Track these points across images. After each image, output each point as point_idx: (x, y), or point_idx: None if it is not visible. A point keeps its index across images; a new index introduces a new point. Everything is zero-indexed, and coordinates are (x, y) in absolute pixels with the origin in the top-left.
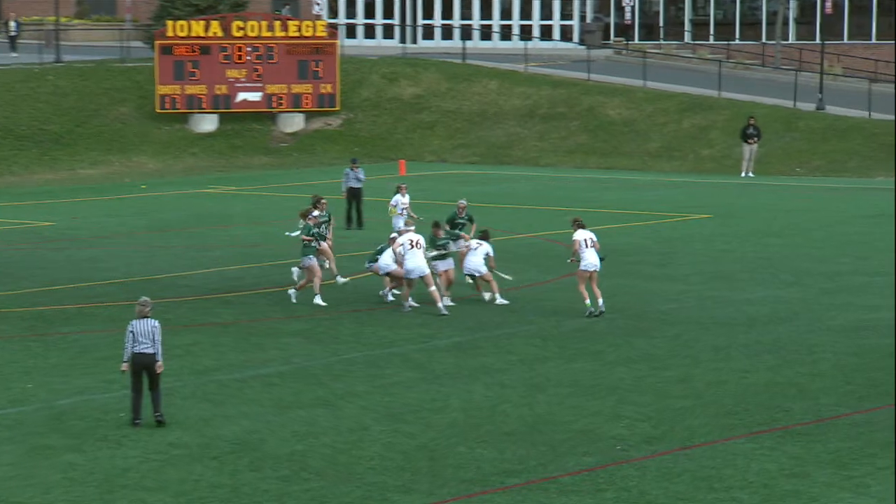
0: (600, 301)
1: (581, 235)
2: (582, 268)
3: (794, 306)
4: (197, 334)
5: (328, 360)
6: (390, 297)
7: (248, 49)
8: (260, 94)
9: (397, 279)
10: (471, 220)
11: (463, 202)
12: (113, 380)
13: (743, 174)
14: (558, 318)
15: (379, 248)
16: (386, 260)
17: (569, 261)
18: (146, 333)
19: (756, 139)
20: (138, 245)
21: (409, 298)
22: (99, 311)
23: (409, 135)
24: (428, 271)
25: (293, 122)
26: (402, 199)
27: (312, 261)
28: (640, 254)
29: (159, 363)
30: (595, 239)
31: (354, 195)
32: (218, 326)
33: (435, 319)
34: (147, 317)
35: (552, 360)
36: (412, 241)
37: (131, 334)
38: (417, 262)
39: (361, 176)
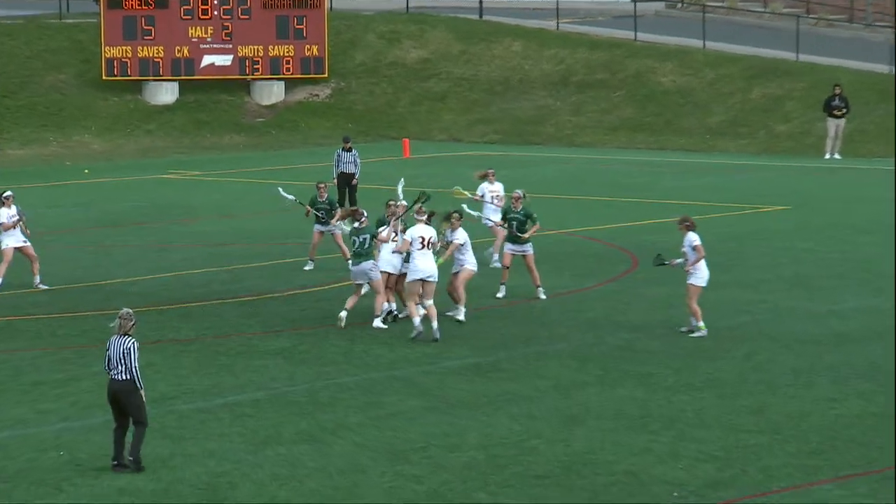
0: (692, 320)
1: (698, 240)
2: (699, 280)
3: (891, 320)
4: (151, 354)
5: (313, 384)
6: (399, 314)
7: (216, 2)
8: (230, 57)
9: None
10: (529, 217)
11: (519, 192)
12: (49, 409)
13: (827, 155)
14: (599, 334)
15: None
16: (388, 258)
17: (686, 269)
18: (118, 355)
19: (843, 112)
20: (81, 244)
21: (418, 315)
22: (31, 326)
23: (415, 108)
24: (436, 278)
25: (271, 93)
26: (489, 188)
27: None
28: (662, 255)
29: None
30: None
31: (347, 182)
32: (177, 344)
33: (445, 335)
34: (128, 334)
35: (592, 385)
36: (423, 239)
37: (108, 357)
38: (426, 263)
39: (356, 158)
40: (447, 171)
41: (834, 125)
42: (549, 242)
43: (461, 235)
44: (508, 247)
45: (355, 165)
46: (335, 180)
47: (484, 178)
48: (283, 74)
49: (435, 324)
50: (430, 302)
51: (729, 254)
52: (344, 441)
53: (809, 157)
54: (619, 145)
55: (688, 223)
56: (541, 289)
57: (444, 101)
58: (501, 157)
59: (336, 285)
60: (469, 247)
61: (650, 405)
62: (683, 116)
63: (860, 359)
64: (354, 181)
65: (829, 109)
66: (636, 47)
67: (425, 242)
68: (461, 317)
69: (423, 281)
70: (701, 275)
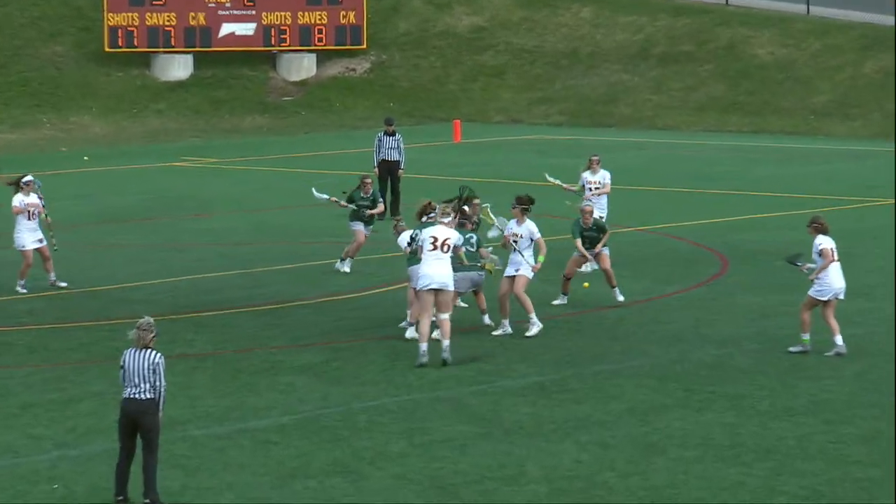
0: (838, 339)
1: (828, 244)
2: (818, 293)
3: None
4: None
5: (348, 406)
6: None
7: None
8: (253, 25)
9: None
10: (602, 230)
11: (589, 205)
12: (42, 435)
13: None
14: (682, 348)
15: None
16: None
17: (810, 278)
18: (141, 371)
19: None
20: (80, 242)
21: (415, 328)
22: (21, 338)
23: (467, 85)
24: (452, 287)
25: (301, 67)
26: (590, 178)
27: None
28: (804, 255)
29: (160, 414)
30: (835, 250)
31: (389, 171)
32: (189, 359)
33: (502, 349)
34: (148, 347)
35: (674, 409)
36: (435, 240)
37: (123, 371)
38: (438, 270)
39: (400, 144)
40: (505, 157)
41: None
42: (624, 241)
43: (527, 229)
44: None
45: (399, 152)
46: (376, 169)
47: (588, 168)
48: (315, 45)
49: (446, 342)
50: (444, 316)
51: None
52: (383, 473)
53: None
54: (706, 128)
55: (816, 224)
56: (617, 289)
57: (502, 77)
58: (568, 142)
59: (374, 291)
60: (529, 246)
61: (742, 432)
62: (783, 94)
63: None
64: (400, 171)
65: None
66: (728, 13)
67: (438, 244)
68: (531, 332)
69: (436, 291)
70: (822, 287)
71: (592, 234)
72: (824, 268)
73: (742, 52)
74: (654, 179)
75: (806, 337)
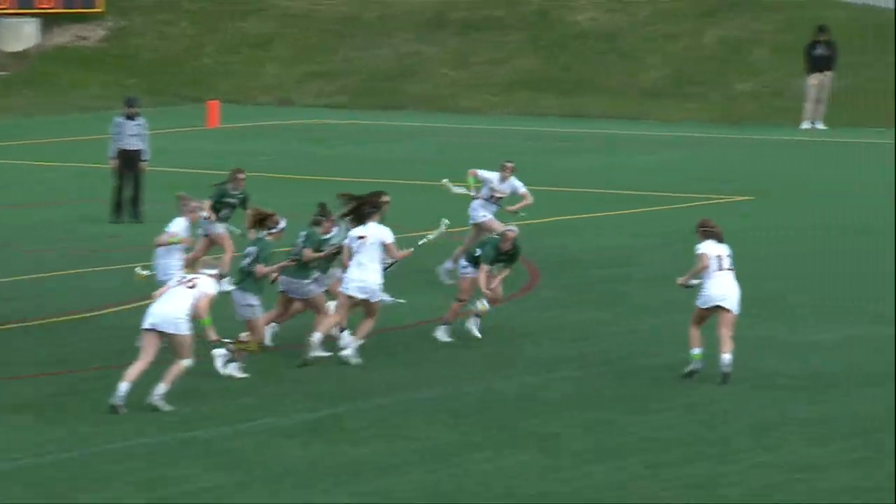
0: (727, 357)
1: (712, 250)
2: (698, 301)
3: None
4: None
5: (73, 454)
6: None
7: None
8: None
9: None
10: (513, 257)
11: (513, 231)
12: None
13: (806, 124)
14: (486, 377)
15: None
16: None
17: (678, 282)
18: None
19: (829, 65)
20: None
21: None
22: None
23: (225, 58)
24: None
25: (20, 35)
26: (497, 185)
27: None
28: (629, 264)
29: None
30: (730, 256)
31: (130, 162)
32: None
33: (269, 381)
34: None
35: (473, 450)
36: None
37: None
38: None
39: (143, 130)
40: (272, 146)
41: (817, 83)
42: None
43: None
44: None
45: (142, 139)
46: (113, 160)
47: (502, 170)
48: (38, 8)
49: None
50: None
51: (667, 264)
52: None
53: (783, 127)
54: (516, 110)
55: (704, 228)
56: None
57: (268, 48)
58: (350, 128)
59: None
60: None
61: (553, 478)
62: (607, 70)
63: (846, 410)
64: (143, 162)
65: (810, 61)
66: None
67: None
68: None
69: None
70: (701, 294)
71: (502, 260)
72: (694, 273)
73: (558, 18)
74: (451, 171)
75: (695, 352)
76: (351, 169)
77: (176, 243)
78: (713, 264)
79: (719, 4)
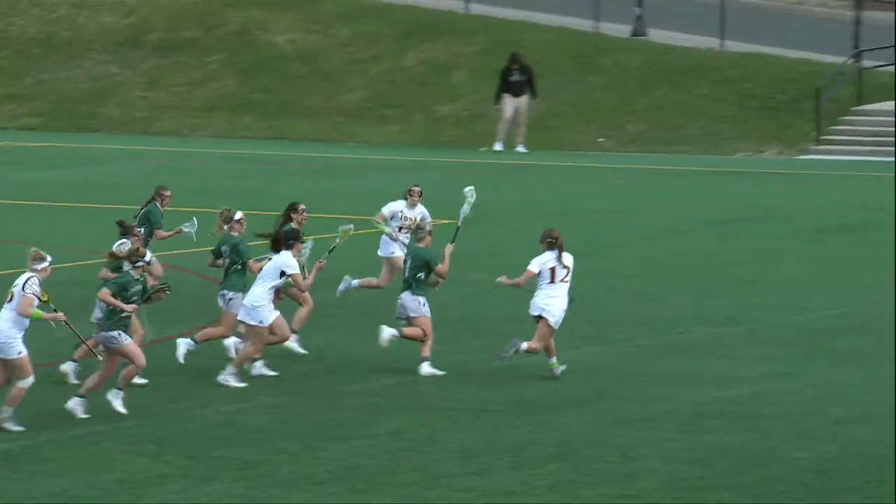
0: (553, 360)
1: (546, 261)
2: (530, 310)
3: (596, 377)
4: None
5: None
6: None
7: None
8: None
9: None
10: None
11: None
12: None
13: (498, 146)
14: (187, 405)
15: None
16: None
17: (499, 279)
18: None
19: (524, 90)
20: None
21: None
22: None
23: None
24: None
25: None
26: (407, 213)
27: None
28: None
29: None
30: (567, 268)
31: None
32: None
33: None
34: None
35: (173, 479)
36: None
37: None
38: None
39: None
40: None
41: (512, 106)
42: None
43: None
44: None
45: None
46: None
47: (408, 195)
48: None
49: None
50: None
51: (358, 302)
52: None
53: (483, 151)
54: (215, 133)
55: (549, 239)
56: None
57: None
58: (44, 150)
59: None
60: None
61: None
62: (308, 92)
63: (550, 434)
64: None
65: (505, 87)
66: None
67: None
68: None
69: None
70: (532, 300)
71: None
72: (518, 283)
73: (257, 39)
74: (145, 195)
75: (555, 360)
76: (46, 193)
77: None
78: (545, 275)
79: (419, 27)
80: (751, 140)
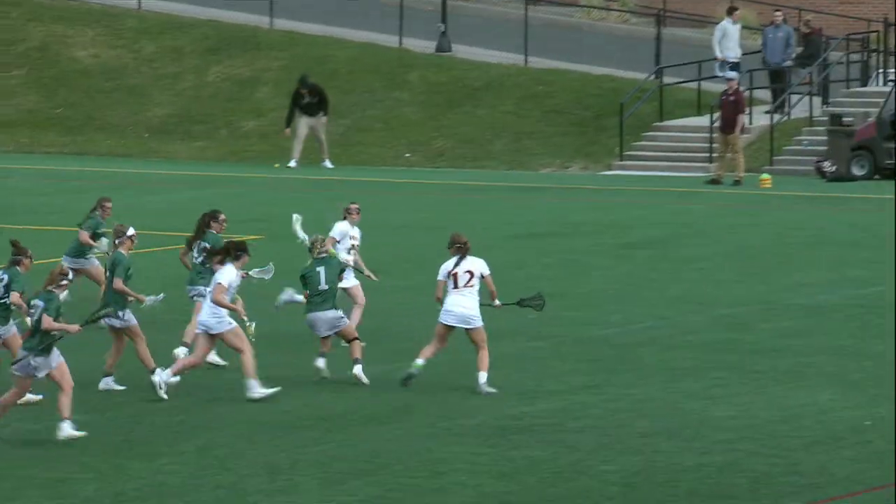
0: (483, 376)
1: (447, 268)
2: (441, 318)
3: (404, 392)
4: None
5: None
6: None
7: None
8: None
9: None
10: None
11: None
12: None
13: (292, 163)
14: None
15: None
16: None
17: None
18: None
19: (318, 111)
20: None
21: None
22: None
23: None
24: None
25: None
26: (350, 231)
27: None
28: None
29: None
30: (487, 273)
31: None
32: None
33: None
34: None
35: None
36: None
37: None
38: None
39: None
40: None
41: (307, 125)
42: None
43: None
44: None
45: None
46: None
47: (346, 215)
48: None
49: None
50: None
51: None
52: None
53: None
54: (17, 148)
55: (457, 244)
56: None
57: None
58: None
59: None
60: None
61: None
62: (112, 107)
63: (361, 449)
64: None
65: (298, 109)
66: (41, 7)
67: None
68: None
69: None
70: (445, 313)
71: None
72: (437, 297)
73: (59, 54)
74: None
75: (420, 362)
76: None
77: None
78: (450, 281)
79: (223, 42)
80: (556, 156)
